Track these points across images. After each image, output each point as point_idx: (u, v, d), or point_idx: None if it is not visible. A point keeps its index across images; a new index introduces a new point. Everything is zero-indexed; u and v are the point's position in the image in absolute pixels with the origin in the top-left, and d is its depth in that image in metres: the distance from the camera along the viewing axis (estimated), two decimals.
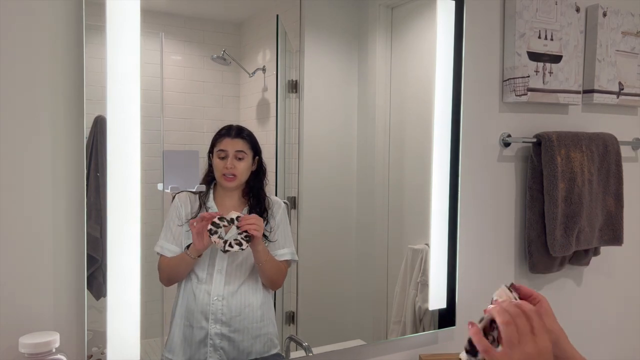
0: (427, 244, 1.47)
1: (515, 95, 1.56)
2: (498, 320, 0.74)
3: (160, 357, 1.14)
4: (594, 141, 1.69)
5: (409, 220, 1.51)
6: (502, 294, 0.84)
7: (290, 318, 1.30)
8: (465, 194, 1.52)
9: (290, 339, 1.28)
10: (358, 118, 1.39)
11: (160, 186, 1.11)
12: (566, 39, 1.64)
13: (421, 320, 1.48)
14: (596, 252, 1.79)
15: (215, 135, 1.16)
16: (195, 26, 1.15)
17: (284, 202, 1.25)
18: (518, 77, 1.56)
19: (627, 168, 1.82)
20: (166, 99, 1.12)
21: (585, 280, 1.85)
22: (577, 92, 1.68)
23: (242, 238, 1.13)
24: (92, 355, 1.03)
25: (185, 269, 1.16)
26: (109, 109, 1.00)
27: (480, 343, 0.76)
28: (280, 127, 1.24)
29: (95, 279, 1.03)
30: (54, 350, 0.92)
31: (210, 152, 1.16)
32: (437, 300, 1.48)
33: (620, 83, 1.79)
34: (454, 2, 1.45)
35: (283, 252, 1.23)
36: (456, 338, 1.55)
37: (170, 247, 1.14)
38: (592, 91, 1.74)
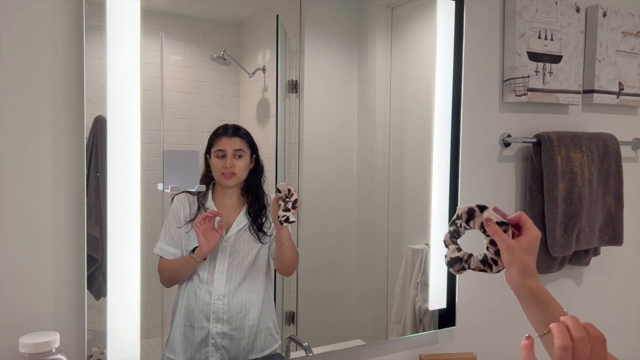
0: (427, 244, 1.47)
1: (515, 95, 1.56)
2: (556, 342, 0.66)
3: (160, 357, 1.14)
4: (594, 141, 1.69)
5: (409, 220, 1.51)
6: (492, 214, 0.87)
7: (290, 318, 1.30)
8: (465, 194, 1.52)
9: (290, 339, 1.28)
10: (358, 118, 1.39)
11: (160, 186, 1.11)
12: (566, 39, 1.64)
13: (421, 320, 1.48)
14: (596, 252, 1.79)
15: (212, 135, 1.16)
16: (195, 26, 1.15)
17: None
18: (518, 77, 1.56)
19: (627, 168, 1.82)
20: (166, 99, 1.12)
21: (585, 280, 1.85)
22: (577, 92, 1.68)
23: (291, 214, 1.15)
24: (92, 355, 1.03)
25: (188, 272, 1.16)
26: (109, 109, 1.00)
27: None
28: (280, 127, 1.24)
29: (95, 279, 1.03)
30: (54, 350, 0.92)
31: (208, 152, 1.17)
32: (437, 300, 1.48)
33: (620, 83, 1.79)
34: (454, 2, 1.45)
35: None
36: (456, 338, 1.55)
37: (170, 250, 1.14)
38: (592, 91, 1.74)
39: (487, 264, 0.89)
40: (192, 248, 1.14)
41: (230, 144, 1.16)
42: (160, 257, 1.14)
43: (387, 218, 1.47)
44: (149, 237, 1.09)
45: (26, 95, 0.98)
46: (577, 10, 1.66)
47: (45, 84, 0.99)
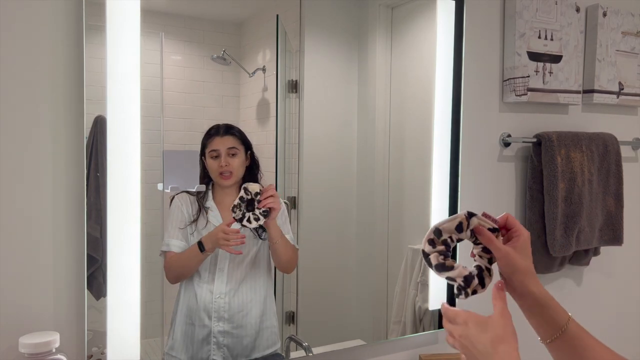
0: None
1: (515, 95, 1.56)
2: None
3: (160, 357, 1.14)
4: (594, 141, 1.69)
5: (409, 220, 1.51)
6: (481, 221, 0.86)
7: (290, 318, 1.30)
8: (465, 194, 1.52)
9: (290, 339, 1.28)
10: (358, 118, 1.39)
11: (160, 186, 1.11)
12: (566, 39, 1.64)
13: (421, 320, 1.48)
14: (596, 252, 1.79)
15: (205, 136, 1.16)
16: (195, 26, 1.15)
17: (284, 202, 1.25)
18: (518, 77, 1.56)
19: (627, 168, 1.82)
20: (166, 99, 1.12)
21: (585, 280, 1.85)
22: (577, 92, 1.68)
23: (260, 213, 1.14)
24: (92, 355, 1.03)
25: (197, 264, 1.16)
26: (109, 109, 1.00)
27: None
28: (280, 127, 1.24)
29: (95, 279, 1.03)
30: (54, 350, 0.92)
31: (202, 154, 1.17)
32: (437, 300, 1.48)
33: (620, 83, 1.79)
34: (454, 2, 1.45)
35: (287, 237, 1.23)
36: None
37: (177, 243, 1.15)
38: (592, 91, 1.74)
39: (481, 278, 0.86)
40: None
41: (223, 143, 1.16)
42: (167, 253, 1.14)
43: (387, 218, 1.47)
44: (149, 237, 1.09)
45: (26, 95, 0.98)
46: (577, 10, 1.66)
47: (45, 84, 0.99)
